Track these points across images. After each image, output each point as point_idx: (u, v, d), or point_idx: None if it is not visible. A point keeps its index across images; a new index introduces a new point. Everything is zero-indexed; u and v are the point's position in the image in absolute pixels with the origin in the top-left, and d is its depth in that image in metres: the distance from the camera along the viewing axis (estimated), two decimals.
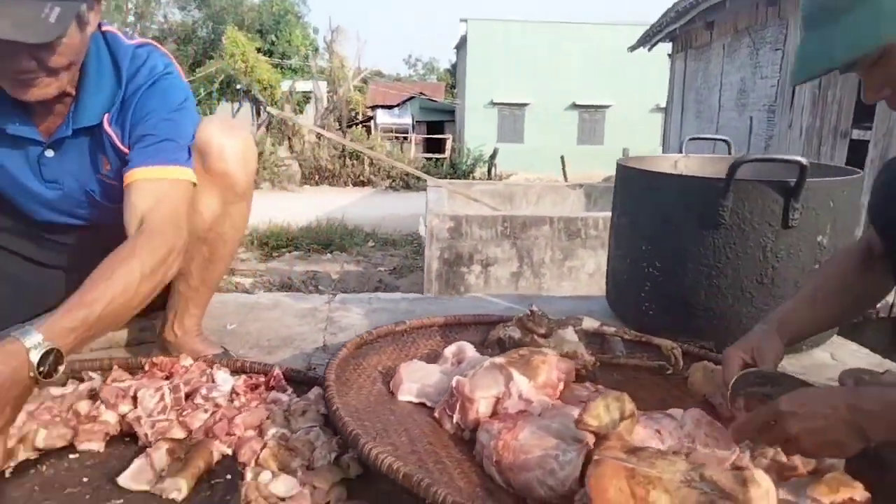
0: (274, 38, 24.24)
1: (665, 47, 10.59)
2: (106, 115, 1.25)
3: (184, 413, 1.12)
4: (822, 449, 0.99)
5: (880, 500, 0.97)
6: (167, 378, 1.22)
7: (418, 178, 9.84)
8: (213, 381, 1.22)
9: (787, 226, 1.59)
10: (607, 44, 18.88)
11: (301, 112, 17.36)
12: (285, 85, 16.70)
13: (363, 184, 15.02)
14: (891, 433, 0.94)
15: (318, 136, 15.76)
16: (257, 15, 24.24)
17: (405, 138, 20.84)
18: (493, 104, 20.92)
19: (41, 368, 0.94)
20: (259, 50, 20.70)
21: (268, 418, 1.17)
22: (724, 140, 2.20)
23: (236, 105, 16.12)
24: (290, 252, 9.91)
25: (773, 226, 1.60)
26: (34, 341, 0.94)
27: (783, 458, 1.12)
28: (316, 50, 20.75)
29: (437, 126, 23.62)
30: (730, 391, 1.11)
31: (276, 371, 1.30)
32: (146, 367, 1.24)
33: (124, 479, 0.98)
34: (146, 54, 1.29)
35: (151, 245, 1.17)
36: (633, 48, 10.92)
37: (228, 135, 1.37)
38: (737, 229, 1.61)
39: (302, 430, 1.14)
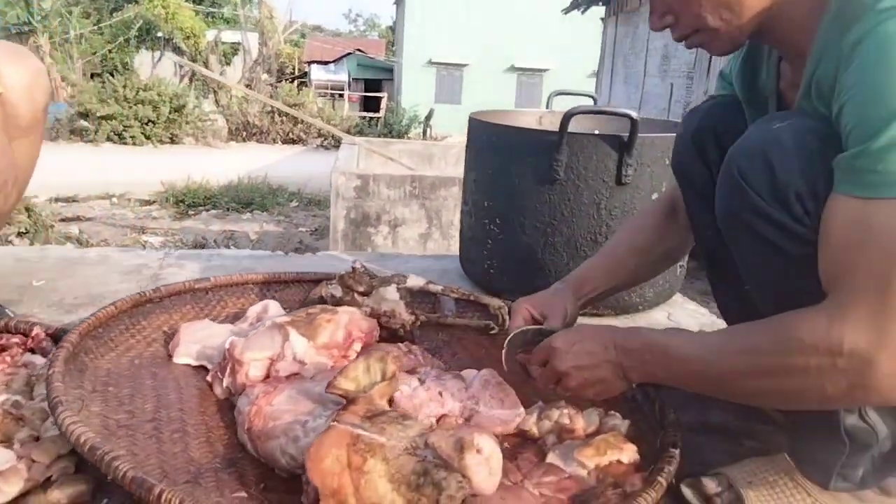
0: None
1: (600, 11, 10.53)
2: None
3: None
4: (589, 387, 0.96)
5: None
6: None
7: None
8: None
9: (620, 182, 1.54)
10: (548, 5, 18.72)
11: (228, 64, 16.59)
12: (211, 35, 15.86)
13: (294, 141, 14.56)
14: (644, 376, 0.92)
15: (247, 87, 15.14)
16: None
17: (340, 96, 20.27)
18: (431, 63, 20.52)
19: None
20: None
21: (6, 384, 1.04)
22: (590, 96, 2.13)
23: (157, 55, 15.20)
24: (207, 211, 9.52)
25: (607, 182, 1.55)
26: None
27: (566, 421, 1.08)
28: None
29: (375, 84, 23.06)
30: (505, 348, 1.05)
31: (37, 331, 1.17)
32: None
33: None
34: None
35: None
36: (566, 10, 10.81)
37: (13, 60, 1.20)
38: (571, 185, 1.56)
39: (40, 397, 1.02)
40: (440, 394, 1.10)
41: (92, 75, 15.62)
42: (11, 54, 1.21)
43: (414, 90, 19.80)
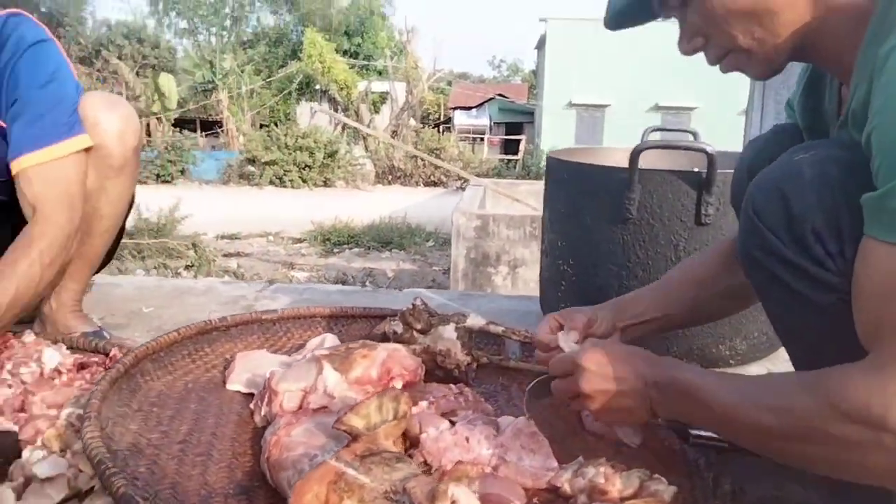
0: (360, 40, 24.81)
1: None
2: None
3: None
4: (610, 413, 0.90)
5: None
6: None
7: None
8: (41, 359, 1.22)
9: (700, 222, 1.42)
10: None
11: (377, 112, 17.67)
12: (362, 85, 17.05)
13: (435, 184, 15.08)
14: (672, 414, 0.83)
15: (392, 135, 16.00)
16: (344, 17, 24.87)
17: (482, 139, 20.76)
18: (572, 105, 20.44)
19: None
20: (345, 52, 21.28)
21: (76, 398, 1.16)
22: (690, 132, 2.00)
23: (315, 105, 16.63)
24: (350, 249, 10.12)
25: (686, 222, 1.43)
26: None
27: (600, 480, 1.00)
28: (401, 51, 21.06)
29: (516, 128, 23.38)
30: (526, 396, 0.99)
31: (114, 352, 1.29)
32: None
33: None
34: (16, 25, 1.30)
35: (49, 235, 1.25)
36: None
37: (107, 108, 1.37)
38: (646, 225, 1.46)
39: None
40: (467, 439, 1.05)
41: (260, 125, 17.31)
42: (107, 103, 1.38)
43: (553, 132, 19.79)
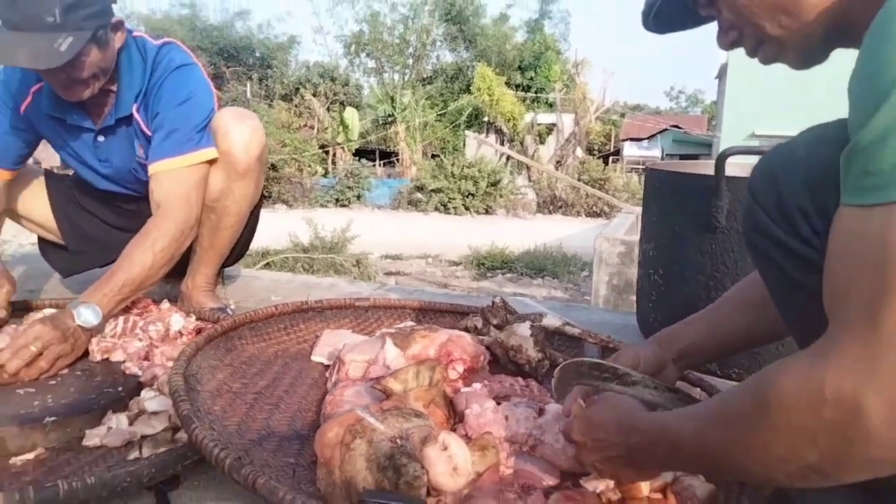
0: (532, 74, 25.22)
1: None
2: (135, 105, 1.59)
3: (125, 340, 1.38)
4: (627, 476, 0.87)
5: None
6: (140, 315, 1.50)
7: None
8: (168, 322, 1.46)
9: None
10: None
11: (542, 143, 17.83)
12: (528, 117, 17.35)
13: (597, 214, 14.83)
14: (657, 465, 0.81)
15: (556, 165, 16.03)
16: (518, 53, 25.44)
17: None
18: (754, 136, 19.00)
19: (82, 322, 1.32)
20: (517, 86, 21.77)
21: None
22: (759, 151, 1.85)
23: (482, 136, 17.25)
24: (503, 274, 10.29)
25: None
26: (84, 317, 1.34)
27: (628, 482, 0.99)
28: (571, 83, 21.09)
29: (692, 160, 22.24)
30: (555, 377, 1.01)
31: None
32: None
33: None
34: (167, 51, 1.60)
35: (165, 228, 1.50)
36: None
37: (236, 121, 1.62)
38: (735, 234, 1.40)
39: None
40: (506, 417, 1.10)
41: (432, 155, 18.22)
42: (237, 116, 1.62)
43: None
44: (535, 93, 22.47)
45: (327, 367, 1.37)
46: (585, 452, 0.87)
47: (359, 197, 15.07)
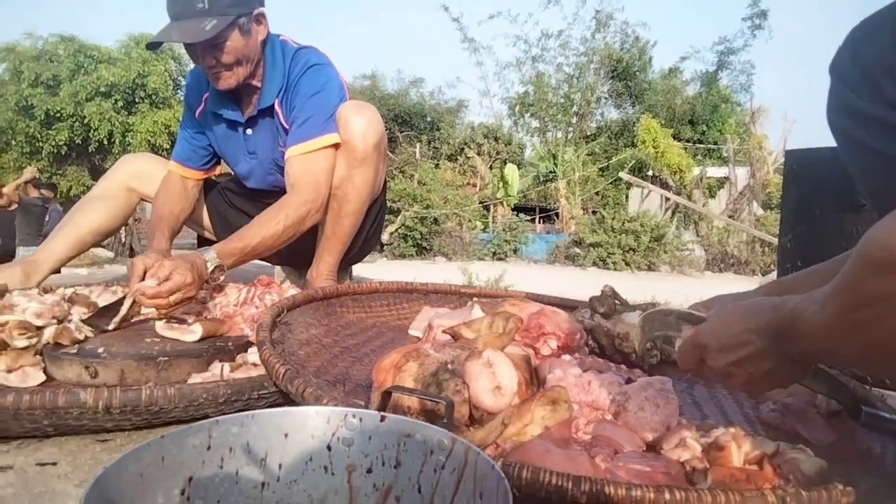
0: (705, 128, 24.17)
1: None
2: (276, 99, 1.76)
3: (244, 307, 1.49)
4: (759, 383, 0.80)
5: None
6: (264, 289, 1.61)
7: None
8: (282, 294, 1.55)
9: None
10: None
11: (713, 197, 16.79)
12: (697, 170, 16.49)
13: (771, 271, 13.56)
14: (803, 356, 0.72)
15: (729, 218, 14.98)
16: (690, 107, 24.58)
17: None
18: None
19: (209, 272, 1.46)
20: (688, 140, 20.93)
21: None
22: None
23: (646, 190, 16.64)
24: None
25: None
26: (210, 256, 1.48)
27: (726, 440, 0.86)
28: (745, 133, 19.87)
29: None
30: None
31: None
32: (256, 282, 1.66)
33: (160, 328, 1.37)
34: (306, 52, 1.78)
35: (295, 204, 1.64)
36: None
37: (356, 111, 1.73)
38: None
39: None
40: (589, 383, 1.02)
41: (592, 211, 17.93)
42: (357, 108, 1.72)
43: None
44: (709, 145, 21.40)
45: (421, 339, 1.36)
46: (720, 355, 0.79)
47: (515, 251, 15.15)
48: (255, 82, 1.76)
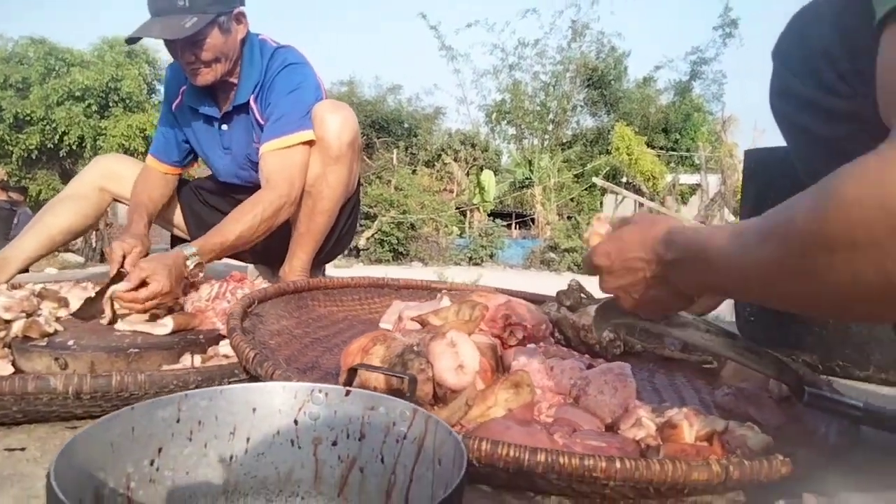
0: (678, 136, 24.54)
1: None
2: (252, 95, 1.78)
3: (216, 302, 1.50)
4: (645, 306, 0.81)
5: None
6: (236, 284, 1.62)
7: None
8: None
9: None
10: None
11: (685, 203, 17.07)
12: (669, 177, 16.77)
13: None
14: (696, 287, 0.72)
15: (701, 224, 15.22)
16: (664, 115, 24.93)
17: None
18: None
19: (188, 268, 1.48)
20: (661, 148, 21.25)
21: None
22: None
23: (619, 197, 16.89)
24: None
25: None
26: (189, 251, 1.50)
27: (680, 419, 0.90)
28: (716, 141, 20.24)
29: None
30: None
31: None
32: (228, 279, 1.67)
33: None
34: (284, 51, 1.80)
35: (270, 199, 1.66)
36: None
37: (331, 110, 1.76)
38: None
39: None
40: (551, 368, 1.05)
41: (567, 217, 18.10)
42: (332, 106, 1.75)
43: None
44: (682, 152, 21.76)
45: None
46: (610, 277, 0.80)
47: (492, 256, 15.24)
48: (233, 79, 1.78)
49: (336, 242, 2.00)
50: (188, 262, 1.48)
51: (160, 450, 0.60)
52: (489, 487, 0.77)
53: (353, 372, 0.71)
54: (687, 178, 17.52)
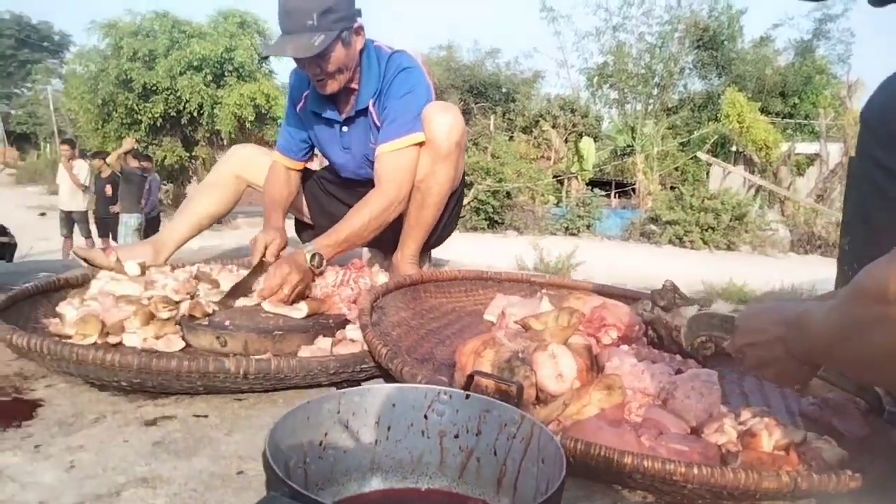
0: (796, 101, 22.84)
1: None
2: (371, 100, 1.95)
3: (341, 289, 1.70)
4: (764, 367, 0.91)
5: None
6: (357, 272, 1.82)
7: None
8: (374, 278, 1.76)
9: None
10: None
11: (801, 174, 16.03)
12: (784, 146, 15.76)
13: None
14: (804, 353, 0.82)
15: (818, 200, 14.34)
16: (781, 78, 23.25)
17: None
18: None
19: (312, 263, 1.69)
20: (777, 114, 19.95)
21: None
22: None
23: (728, 166, 16.08)
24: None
25: None
26: (309, 249, 1.71)
27: (760, 428, 1.00)
28: (840, 107, 18.73)
29: None
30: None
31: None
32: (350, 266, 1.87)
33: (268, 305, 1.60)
34: (398, 57, 1.95)
35: (379, 199, 1.85)
36: None
37: (440, 111, 1.90)
38: None
39: None
40: (642, 371, 1.16)
41: (671, 187, 17.47)
42: (441, 108, 1.89)
43: None
44: (801, 120, 20.28)
45: (494, 324, 1.53)
46: (737, 337, 0.92)
47: (588, 226, 15.04)
48: (353, 85, 1.95)
49: (442, 230, 2.16)
50: (307, 255, 1.68)
51: (326, 434, 0.78)
52: (582, 479, 0.91)
53: (470, 378, 0.86)
54: (805, 147, 16.39)
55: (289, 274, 1.59)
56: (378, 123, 1.95)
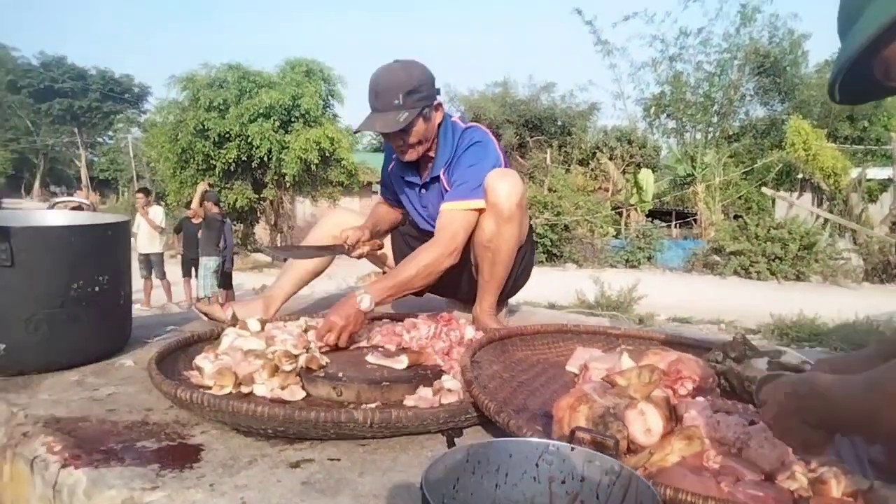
0: (867, 124, 22.13)
1: None
2: (442, 169, 2.18)
3: (433, 341, 1.89)
4: (789, 438, 1.05)
5: None
6: (446, 325, 2.02)
7: None
8: (462, 331, 1.95)
9: None
10: None
11: (873, 201, 15.49)
12: (854, 172, 15.29)
13: None
14: (821, 423, 0.95)
15: (893, 227, 13.81)
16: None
17: None
18: None
19: (361, 305, 1.89)
20: (845, 139, 19.41)
21: None
22: None
23: (795, 195, 15.69)
24: (811, 346, 9.18)
25: None
26: (360, 291, 1.92)
27: (829, 477, 1.12)
28: None
29: None
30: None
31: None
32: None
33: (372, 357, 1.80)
34: (471, 132, 2.18)
35: (431, 251, 2.06)
36: None
37: (500, 178, 2.10)
38: None
39: None
40: (718, 422, 1.30)
41: (735, 216, 17.16)
42: (501, 175, 2.09)
43: None
44: (871, 145, 19.62)
45: (577, 376, 1.69)
46: (762, 411, 1.05)
47: (649, 258, 14.92)
48: (431, 153, 2.19)
49: (516, 281, 2.35)
50: (360, 302, 1.87)
51: (458, 479, 0.96)
52: None
53: (572, 432, 1.03)
54: (876, 173, 15.86)
55: (335, 322, 1.80)
56: (447, 189, 2.17)
